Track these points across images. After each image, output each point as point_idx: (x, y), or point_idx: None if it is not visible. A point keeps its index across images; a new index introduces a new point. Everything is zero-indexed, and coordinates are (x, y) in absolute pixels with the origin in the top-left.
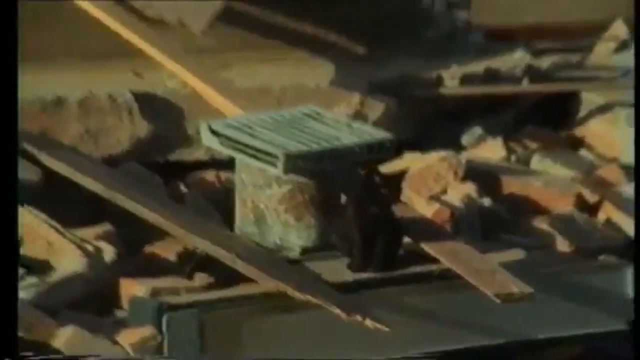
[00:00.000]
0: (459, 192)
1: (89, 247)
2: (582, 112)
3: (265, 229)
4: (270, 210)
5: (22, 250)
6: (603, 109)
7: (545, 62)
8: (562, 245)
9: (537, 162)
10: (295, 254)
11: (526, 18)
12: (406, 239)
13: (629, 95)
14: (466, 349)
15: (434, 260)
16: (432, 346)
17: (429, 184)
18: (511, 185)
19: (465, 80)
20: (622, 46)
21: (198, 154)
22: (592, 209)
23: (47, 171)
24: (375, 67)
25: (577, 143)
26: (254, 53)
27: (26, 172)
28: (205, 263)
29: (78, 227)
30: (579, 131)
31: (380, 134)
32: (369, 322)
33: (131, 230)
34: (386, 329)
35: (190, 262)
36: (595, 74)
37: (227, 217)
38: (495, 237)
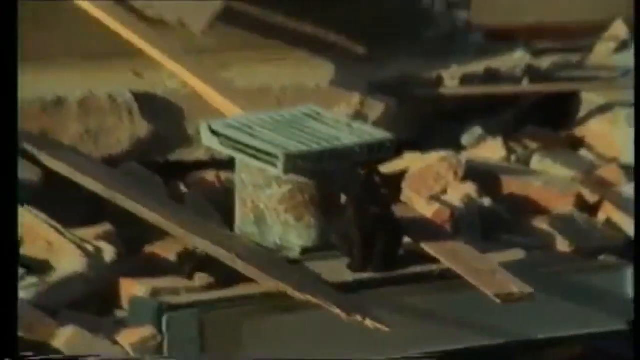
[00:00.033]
0: (459, 192)
1: (89, 247)
2: (582, 112)
3: (265, 229)
4: (270, 210)
5: (22, 250)
6: (603, 109)
7: (545, 62)
8: (562, 245)
9: (537, 162)
10: (295, 254)
11: (526, 18)
12: (406, 239)
13: (629, 95)
14: (466, 349)
15: (434, 260)
16: (432, 346)
17: (429, 184)
18: (511, 185)
19: (465, 80)
20: (622, 46)
21: (198, 154)
22: (592, 209)
23: (47, 171)
24: (375, 67)
25: (577, 143)
26: (253, 53)
27: (26, 172)
28: (205, 263)
29: (78, 227)
30: (579, 131)
31: (380, 134)
32: (369, 322)
33: (131, 230)
34: (386, 329)
35: (190, 262)
36: (595, 74)
37: (227, 217)
38: (495, 237)
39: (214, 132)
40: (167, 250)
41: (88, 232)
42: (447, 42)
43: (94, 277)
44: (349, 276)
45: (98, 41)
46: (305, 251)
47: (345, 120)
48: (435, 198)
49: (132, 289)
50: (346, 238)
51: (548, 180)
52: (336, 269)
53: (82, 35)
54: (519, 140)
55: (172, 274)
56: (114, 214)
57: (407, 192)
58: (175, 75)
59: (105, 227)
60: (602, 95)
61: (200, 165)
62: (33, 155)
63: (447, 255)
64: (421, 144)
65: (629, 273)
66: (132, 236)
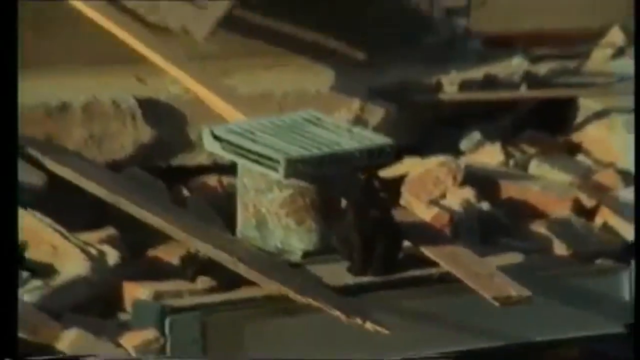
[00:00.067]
0: (458, 197)
1: (93, 251)
2: (579, 118)
3: (266, 232)
4: (271, 214)
5: (27, 254)
6: (600, 115)
7: (542, 69)
8: (560, 249)
9: (535, 167)
10: (296, 257)
11: (524, 25)
12: (406, 243)
13: (626, 101)
14: (465, 352)
15: (434, 264)
16: (431, 348)
17: (429, 188)
18: (509, 189)
19: (464, 86)
20: (618, 53)
21: (200, 159)
22: (589, 214)
23: (52, 176)
24: (375, 73)
25: (575, 148)
26: (255, 60)
27: (31, 177)
28: (208, 266)
29: (82, 231)
30: (576, 136)
31: (380, 139)
32: (369, 325)
33: (134, 234)
34: (386, 332)
35: (193, 266)
36: (592, 80)
37: (229, 221)
38: (493, 240)
39: (216, 137)
40: (170, 254)
41: (92, 236)
42: (447, 49)
43: (97, 280)
44: (349, 279)
45: (102, 48)
46: (306, 255)
47: (345, 126)
48: (434, 202)
49: (136, 292)
50: (346, 242)
51: (546, 185)
52: (337, 273)
53: (86, 42)
54: (517, 145)
55: (175, 278)
56: (117, 218)
57: (407, 197)
58: (178, 81)
59: (109, 231)
60: (599, 101)
61: (203, 170)
62: (38, 160)
63: (446, 258)
64: (421, 149)
65: (626, 276)
66: (136, 240)
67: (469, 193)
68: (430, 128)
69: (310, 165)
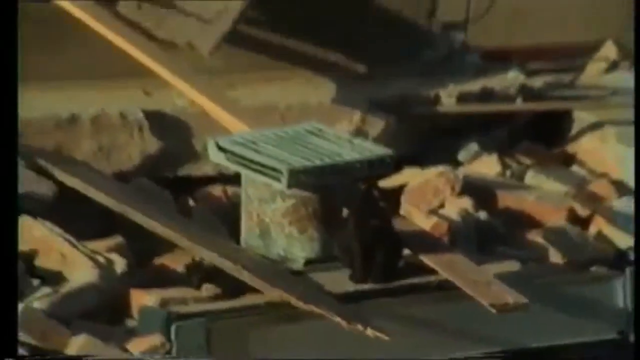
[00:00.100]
0: (456, 206)
1: (101, 259)
2: (574, 130)
3: (269, 241)
4: (274, 223)
5: (37, 262)
6: (594, 127)
7: (538, 82)
8: (555, 257)
9: (531, 177)
10: (298, 265)
11: (520, 40)
12: (405, 251)
13: (619, 114)
14: (463, 358)
15: (432, 272)
16: (430, 354)
17: (428, 198)
18: (506, 199)
19: (462, 98)
20: (612, 66)
21: (206, 170)
22: (583, 223)
23: (61, 186)
24: (376, 86)
25: (570, 159)
26: (259, 73)
27: (41, 187)
28: (213, 274)
29: (90, 239)
30: (571, 148)
31: (381, 150)
32: (369, 331)
33: (141, 243)
34: (386, 338)
35: (198, 274)
36: (586, 93)
37: (234, 230)
38: (491, 249)
39: (220, 149)
40: (175, 262)
41: (100, 245)
42: (445, 63)
43: (105, 287)
44: (350, 287)
45: (110, 62)
46: (308, 263)
47: (346, 137)
48: (433, 212)
49: (142, 299)
50: (347, 250)
51: (542, 195)
52: (338, 280)
53: (95, 57)
54: (513, 156)
55: (181, 285)
56: (125, 227)
57: (406, 206)
58: (184, 94)
59: (117, 239)
60: (593, 114)
61: (208, 180)
62: (48, 171)
63: (444, 266)
64: (420, 160)
65: (620, 284)
66: (142, 248)
67: (467, 203)
68: (429, 139)
69: (312, 176)
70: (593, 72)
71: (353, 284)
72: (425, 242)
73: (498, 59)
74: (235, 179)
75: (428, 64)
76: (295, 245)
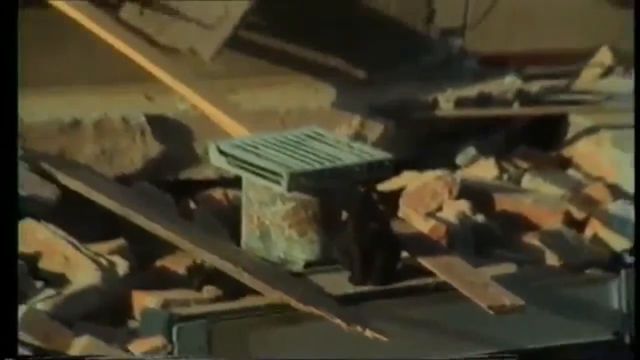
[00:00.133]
0: (454, 209)
1: (103, 261)
2: (570, 134)
3: (270, 244)
4: (275, 226)
5: (40, 264)
6: (589, 131)
7: (535, 87)
8: (552, 259)
9: (527, 180)
10: (298, 267)
11: (517, 46)
12: (404, 254)
13: (614, 118)
14: (461, 359)
15: (430, 274)
16: (428, 355)
17: (426, 201)
18: (503, 202)
19: (460, 103)
20: (607, 72)
21: (207, 173)
22: (579, 226)
23: (65, 189)
24: (375, 91)
25: (566, 163)
26: (259, 78)
27: (44, 190)
28: (214, 276)
29: (93, 242)
30: (567, 152)
31: (380, 154)
32: (368, 333)
33: (143, 245)
34: (385, 339)
35: (199, 276)
36: (582, 98)
37: (234, 232)
38: (488, 251)
39: (221, 152)
40: (177, 264)
41: (102, 247)
42: (443, 68)
43: (107, 289)
44: (349, 289)
45: (113, 67)
46: (308, 265)
47: (346, 141)
48: (431, 215)
49: (144, 300)
50: (347, 253)
51: (538, 198)
52: (338, 282)
53: (98, 62)
54: (510, 160)
55: (182, 287)
56: (127, 230)
57: (405, 209)
58: (185, 99)
59: (119, 242)
60: (589, 118)
61: (209, 183)
62: (51, 174)
63: (442, 269)
64: (418, 164)
65: (615, 286)
66: (144, 251)
67: (464, 206)
68: (427, 143)
69: (312, 179)
70: (588, 77)
71: (352, 286)
72: (423, 244)
73: (495, 64)
74: (236, 182)
75: (426, 69)
76: (295, 247)
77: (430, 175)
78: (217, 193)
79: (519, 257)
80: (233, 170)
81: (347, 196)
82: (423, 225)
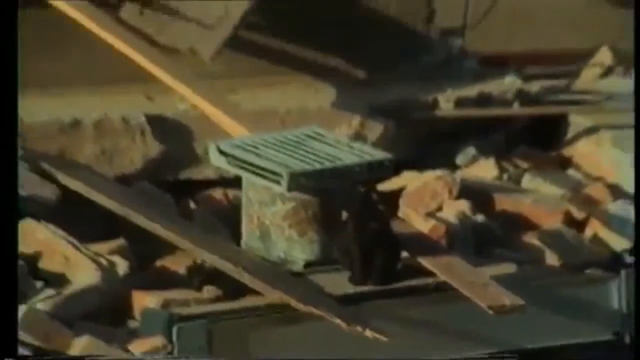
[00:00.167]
0: (454, 209)
1: (103, 261)
2: (570, 134)
3: (270, 243)
4: (275, 226)
5: (40, 264)
6: (589, 131)
7: (535, 87)
8: (551, 259)
9: (527, 180)
10: (298, 267)
11: (517, 46)
12: (404, 254)
13: (614, 118)
14: (461, 359)
15: (430, 274)
16: (428, 355)
17: (426, 201)
18: (503, 202)
19: (460, 103)
20: (607, 72)
21: (207, 173)
22: (579, 225)
23: (65, 189)
24: (375, 91)
25: (566, 163)
26: (259, 78)
27: (45, 190)
28: (214, 276)
29: (93, 242)
30: (567, 152)
31: (380, 154)
32: (368, 333)
33: (143, 245)
34: (385, 339)
35: (199, 276)
36: (582, 98)
37: (234, 232)
38: (488, 251)
39: (221, 152)
40: (177, 264)
41: (102, 247)
42: (443, 68)
43: (108, 289)
44: (349, 289)
45: (113, 67)
46: (308, 265)
47: (346, 141)
48: (431, 215)
49: (144, 300)
50: (347, 252)
51: (538, 198)
52: (338, 282)
53: (98, 62)
54: (510, 160)
55: (182, 287)
56: (127, 230)
57: (405, 209)
58: (185, 99)
59: (119, 242)
60: (589, 118)
61: (209, 183)
62: (51, 174)
63: (442, 268)
64: (418, 164)
65: (614, 286)
66: (144, 251)
67: (464, 206)
68: (427, 143)
69: (312, 179)
70: (588, 77)
71: (352, 285)
72: (423, 244)
73: (495, 64)
74: (236, 182)
75: (426, 69)
76: (295, 247)
77: (430, 175)
78: (217, 193)
79: (518, 257)
80: (233, 170)
81: (347, 196)
82: (423, 225)
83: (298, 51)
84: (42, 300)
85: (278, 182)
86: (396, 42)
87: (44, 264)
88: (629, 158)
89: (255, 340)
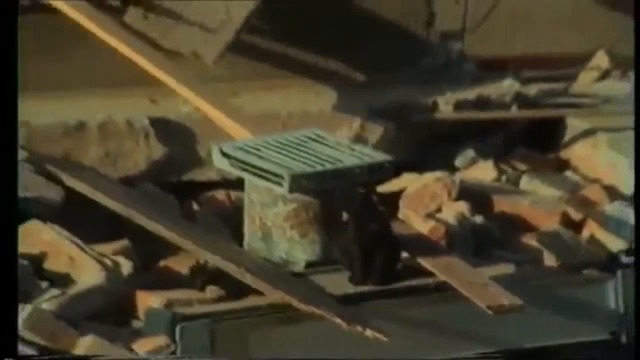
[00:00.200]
0: (453, 211)
1: (108, 262)
2: (568, 136)
3: (271, 244)
4: (276, 227)
5: (46, 265)
6: (586, 134)
7: (532, 90)
8: (549, 260)
9: (526, 182)
10: (300, 268)
11: (516, 49)
12: (404, 254)
13: (611, 121)
14: (461, 358)
15: (430, 274)
16: (428, 355)
17: (425, 202)
18: (502, 204)
19: (459, 106)
20: (603, 75)
21: (209, 175)
22: (577, 227)
23: (69, 191)
24: (375, 94)
25: (563, 165)
26: (261, 81)
27: (50, 192)
28: (216, 276)
29: (98, 243)
30: (564, 154)
31: (380, 156)
32: (368, 332)
33: (147, 246)
34: (385, 339)
35: (202, 276)
36: (579, 101)
37: (237, 233)
38: (487, 252)
39: (224, 154)
40: (180, 265)
41: (107, 248)
42: (442, 71)
43: (112, 289)
44: (350, 289)
45: (117, 71)
46: (309, 265)
47: (346, 143)
48: (430, 216)
49: (148, 300)
50: (347, 253)
51: (536, 200)
52: (338, 282)
53: (102, 66)
54: (509, 162)
55: (185, 287)
56: (131, 231)
57: (405, 210)
58: (188, 102)
59: (123, 243)
60: (586, 121)
61: (212, 185)
62: (56, 176)
63: (442, 269)
64: (418, 165)
65: (611, 286)
66: (148, 251)
67: (463, 207)
68: (427, 146)
69: (313, 181)
70: (586, 80)
71: (353, 286)
72: (423, 245)
73: (494, 68)
74: (238, 184)
75: (426, 72)
76: (296, 248)
77: (429, 177)
78: (220, 194)
79: (517, 258)
80: (235, 172)
81: (348, 197)
82: (423, 226)
83: (299, 55)
84: (48, 300)
85: (280, 184)
86: (396, 45)
87: (49, 265)
88: (625, 160)
89: (257, 340)
